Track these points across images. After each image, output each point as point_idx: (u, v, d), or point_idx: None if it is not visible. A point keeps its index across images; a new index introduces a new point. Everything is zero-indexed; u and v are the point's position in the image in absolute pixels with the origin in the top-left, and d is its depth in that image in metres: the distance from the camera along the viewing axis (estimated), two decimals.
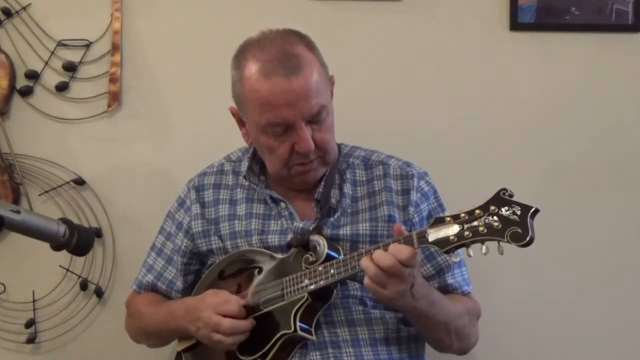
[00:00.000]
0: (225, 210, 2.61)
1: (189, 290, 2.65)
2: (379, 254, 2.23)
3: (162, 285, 2.67)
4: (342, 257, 2.36)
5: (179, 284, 2.65)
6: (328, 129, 2.48)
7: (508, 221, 2.10)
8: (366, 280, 2.26)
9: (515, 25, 2.99)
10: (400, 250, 2.21)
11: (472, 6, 3.00)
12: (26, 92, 3.01)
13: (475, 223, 2.14)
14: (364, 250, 2.30)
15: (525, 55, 3.01)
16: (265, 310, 2.42)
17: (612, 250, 3.00)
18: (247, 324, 2.40)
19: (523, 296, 3.01)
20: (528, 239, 2.08)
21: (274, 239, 2.52)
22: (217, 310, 2.40)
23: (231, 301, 2.42)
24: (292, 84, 2.38)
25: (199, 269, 2.66)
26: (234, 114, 2.56)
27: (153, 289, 2.69)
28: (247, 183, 2.60)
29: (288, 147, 2.45)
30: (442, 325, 2.43)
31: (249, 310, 2.43)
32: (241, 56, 2.47)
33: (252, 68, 2.42)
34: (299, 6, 3.01)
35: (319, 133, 2.45)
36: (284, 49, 2.42)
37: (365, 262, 2.24)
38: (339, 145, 2.62)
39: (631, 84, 3.00)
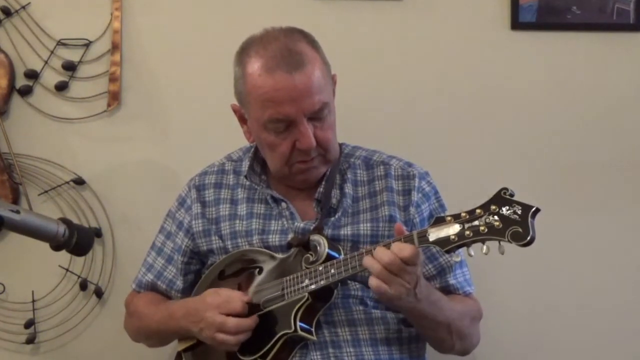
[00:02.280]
0: (226, 210, 2.60)
1: (188, 289, 2.64)
2: (380, 251, 2.23)
3: (162, 284, 2.66)
4: (342, 257, 2.36)
5: (179, 284, 2.65)
6: (330, 126, 2.48)
7: (509, 221, 2.10)
8: (371, 280, 2.24)
9: (516, 24, 2.98)
10: (403, 249, 2.21)
11: (473, 6, 3.00)
12: (26, 92, 3.00)
13: (476, 222, 2.13)
14: (364, 250, 2.30)
15: (526, 55, 3.00)
16: (266, 310, 2.41)
17: (613, 249, 3.00)
18: (251, 322, 2.39)
19: (523, 296, 3.01)
20: (529, 238, 2.07)
21: (274, 239, 2.52)
22: (221, 309, 2.39)
23: (234, 299, 2.41)
24: (294, 79, 2.38)
25: (199, 269, 2.65)
26: (235, 111, 2.56)
27: (153, 288, 2.68)
28: (248, 183, 2.60)
29: (289, 144, 2.45)
30: (443, 325, 2.42)
31: (249, 309, 2.42)
32: (244, 53, 2.47)
33: (255, 64, 2.43)
34: (300, 5, 3.00)
35: (321, 131, 2.45)
36: (287, 46, 2.42)
37: (368, 260, 2.24)
38: (340, 145, 2.62)
39: (632, 83, 3.00)
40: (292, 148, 2.45)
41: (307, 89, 2.40)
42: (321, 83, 2.43)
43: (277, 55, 2.41)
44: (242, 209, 2.59)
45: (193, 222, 2.62)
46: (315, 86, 2.41)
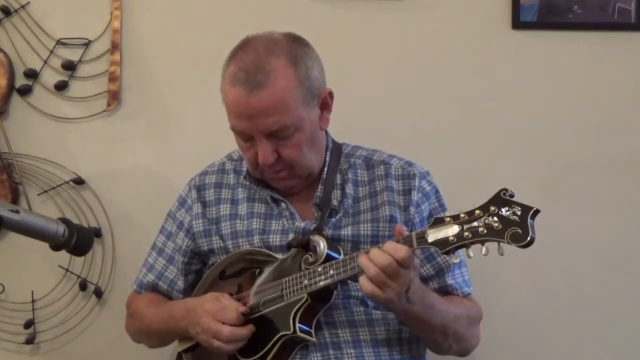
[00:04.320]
0: (226, 210, 2.60)
1: (190, 289, 2.64)
2: (376, 253, 2.22)
3: (163, 284, 2.66)
4: (342, 257, 2.35)
5: (180, 284, 2.65)
6: (296, 146, 2.45)
7: (508, 222, 2.09)
8: (365, 284, 2.23)
9: (518, 24, 2.98)
10: (397, 250, 2.20)
11: (474, 5, 2.99)
12: (25, 91, 3.00)
13: (475, 223, 2.13)
14: (363, 251, 2.29)
15: (527, 54, 2.99)
16: (265, 311, 2.41)
17: (613, 250, 2.99)
18: (246, 331, 2.40)
19: (524, 296, 3.00)
20: (528, 239, 2.06)
21: (275, 239, 2.51)
22: (216, 317, 2.39)
23: (230, 308, 2.41)
24: (249, 99, 2.38)
25: (200, 269, 2.65)
26: None
27: (154, 288, 2.68)
28: (248, 182, 2.59)
29: (254, 154, 2.46)
30: (438, 328, 2.42)
31: (249, 311, 2.42)
32: (231, 54, 2.48)
33: (229, 71, 2.45)
34: (300, 5, 3.00)
35: (285, 149, 2.44)
36: (258, 61, 2.40)
37: (364, 261, 2.23)
38: (341, 145, 2.62)
39: (634, 83, 2.99)
40: (257, 156, 2.45)
41: (262, 109, 2.38)
42: (283, 104, 2.40)
43: (243, 70, 2.40)
44: (242, 208, 2.58)
45: (193, 222, 2.61)
46: (273, 108, 2.39)
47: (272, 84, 2.38)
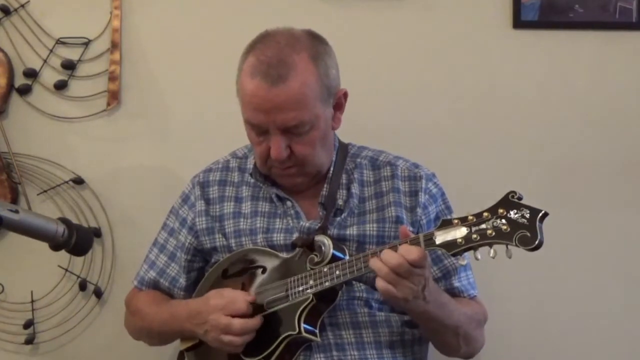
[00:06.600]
0: (230, 208, 2.59)
1: (191, 287, 2.63)
2: (387, 254, 2.21)
3: (165, 282, 2.65)
4: (347, 258, 2.35)
5: (182, 281, 2.64)
6: (310, 143, 2.45)
7: (517, 225, 2.09)
8: (378, 282, 2.23)
9: (519, 23, 2.97)
10: (410, 251, 2.20)
11: (475, 4, 2.99)
12: (25, 91, 2.99)
13: (484, 226, 2.13)
14: (370, 251, 2.29)
15: (528, 54, 2.99)
16: (270, 311, 2.40)
17: (618, 251, 2.99)
18: (256, 321, 2.39)
19: (525, 299, 3.00)
20: (537, 242, 2.07)
21: (279, 238, 2.51)
22: (225, 311, 2.38)
23: (238, 300, 2.40)
24: (270, 92, 2.37)
25: (202, 266, 2.64)
26: None
27: (155, 286, 2.67)
28: (252, 180, 2.59)
29: (266, 148, 2.45)
30: (451, 328, 2.42)
31: (253, 309, 2.41)
32: (250, 46, 2.47)
33: (248, 63, 2.43)
34: (299, 5, 2.99)
35: (298, 145, 2.44)
36: (280, 55, 2.40)
37: (375, 263, 2.22)
38: (347, 145, 2.62)
39: (635, 82, 2.99)
40: (268, 152, 2.45)
41: (281, 103, 2.38)
42: (303, 100, 2.40)
43: (265, 62, 2.39)
44: (246, 207, 2.58)
45: (197, 219, 2.61)
46: (293, 103, 2.38)
47: (293, 78, 2.37)
